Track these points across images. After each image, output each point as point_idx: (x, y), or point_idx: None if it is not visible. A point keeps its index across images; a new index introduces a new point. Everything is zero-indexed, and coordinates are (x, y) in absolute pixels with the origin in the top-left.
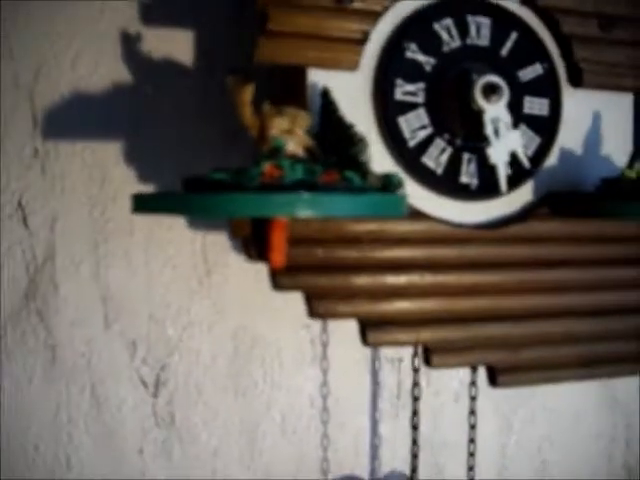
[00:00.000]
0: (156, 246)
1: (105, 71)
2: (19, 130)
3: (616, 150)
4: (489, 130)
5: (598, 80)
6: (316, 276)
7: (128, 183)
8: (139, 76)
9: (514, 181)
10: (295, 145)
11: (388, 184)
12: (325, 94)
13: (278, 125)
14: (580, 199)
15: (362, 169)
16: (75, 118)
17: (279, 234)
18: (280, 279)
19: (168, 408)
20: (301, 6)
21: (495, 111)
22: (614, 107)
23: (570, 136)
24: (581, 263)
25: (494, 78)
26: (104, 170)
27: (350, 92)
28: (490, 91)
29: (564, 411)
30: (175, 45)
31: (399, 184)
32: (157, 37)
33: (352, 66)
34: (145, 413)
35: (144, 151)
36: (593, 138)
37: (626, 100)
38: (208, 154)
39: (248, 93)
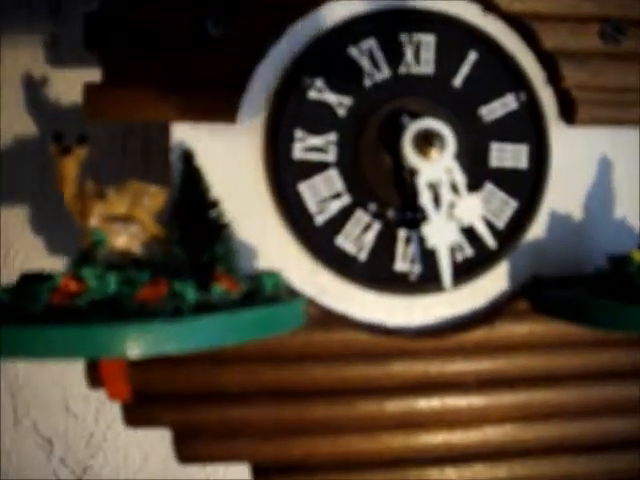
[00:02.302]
0: None
1: (6, 124)
2: None
3: (635, 208)
4: (424, 199)
5: (601, 112)
6: (183, 408)
7: (36, 254)
8: (46, 127)
9: (475, 266)
10: (130, 237)
11: (258, 289)
12: (187, 159)
13: (105, 210)
14: (564, 295)
15: (214, 271)
16: None
17: (109, 363)
18: (130, 414)
19: None
20: (147, 40)
21: (434, 171)
22: (629, 148)
23: (564, 194)
24: (573, 378)
25: (431, 123)
26: (8, 240)
27: (232, 153)
28: (424, 143)
29: None
30: None
31: (275, 288)
32: (66, 80)
33: (229, 117)
34: None
35: (53, 215)
36: (599, 194)
37: None
38: None
39: (71, 167)
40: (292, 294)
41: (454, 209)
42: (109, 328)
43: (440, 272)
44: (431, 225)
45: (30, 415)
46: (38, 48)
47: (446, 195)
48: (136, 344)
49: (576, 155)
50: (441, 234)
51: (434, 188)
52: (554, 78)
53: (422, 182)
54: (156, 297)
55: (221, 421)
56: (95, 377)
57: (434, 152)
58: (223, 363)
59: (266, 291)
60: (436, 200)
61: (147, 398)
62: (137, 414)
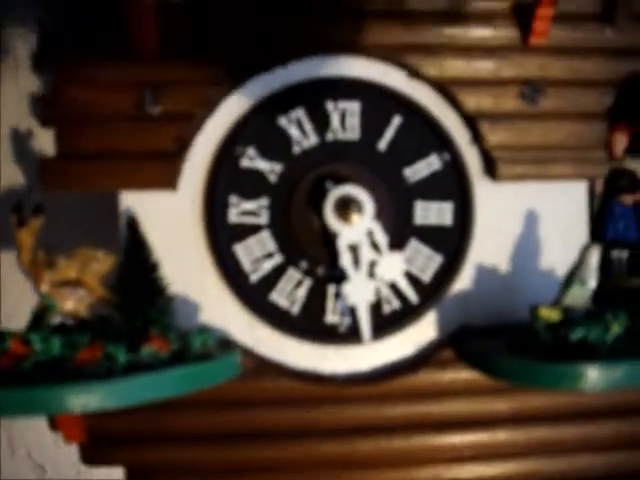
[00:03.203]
0: None
1: None
2: None
3: (564, 259)
4: (344, 261)
5: (523, 169)
6: (137, 449)
7: (26, 295)
8: (34, 177)
9: (402, 318)
10: (78, 301)
11: (187, 348)
12: (131, 225)
13: (55, 276)
14: (477, 347)
15: (147, 332)
16: None
17: None
18: (86, 453)
19: None
20: (95, 118)
21: (353, 234)
22: (556, 202)
23: (490, 248)
24: (500, 422)
25: (350, 189)
26: None
27: (174, 217)
28: (344, 208)
29: None
30: None
31: (204, 345)
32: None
33: (169, 184)
34: None
35: None
36: (527, 247)
37: (577, 190)
38: None
39: (26, 237)
40: (227, 348)
41: (376, 267)
42: (51, 390)
43: (360, 327)
44: (351, 284)
45: (24, 444)
46: (24, 105)
47: (366, 255)
48: (75, 403)
49: (503, 210)
50: (360, 293)
51: (355, 249)
52: (477, 138)
53: (342, 244)
54: (92, 359)
55: (170, 461)
56: (53, 423)
57: (354, 216)
58: (171, 409)
59: (194, 349)
60: (358, 260)
61: (102, 439)
62: (92, 453)
